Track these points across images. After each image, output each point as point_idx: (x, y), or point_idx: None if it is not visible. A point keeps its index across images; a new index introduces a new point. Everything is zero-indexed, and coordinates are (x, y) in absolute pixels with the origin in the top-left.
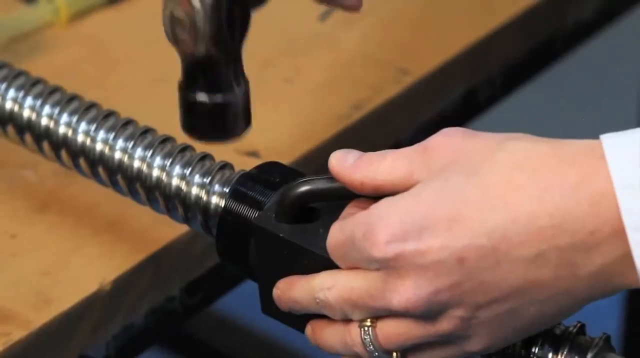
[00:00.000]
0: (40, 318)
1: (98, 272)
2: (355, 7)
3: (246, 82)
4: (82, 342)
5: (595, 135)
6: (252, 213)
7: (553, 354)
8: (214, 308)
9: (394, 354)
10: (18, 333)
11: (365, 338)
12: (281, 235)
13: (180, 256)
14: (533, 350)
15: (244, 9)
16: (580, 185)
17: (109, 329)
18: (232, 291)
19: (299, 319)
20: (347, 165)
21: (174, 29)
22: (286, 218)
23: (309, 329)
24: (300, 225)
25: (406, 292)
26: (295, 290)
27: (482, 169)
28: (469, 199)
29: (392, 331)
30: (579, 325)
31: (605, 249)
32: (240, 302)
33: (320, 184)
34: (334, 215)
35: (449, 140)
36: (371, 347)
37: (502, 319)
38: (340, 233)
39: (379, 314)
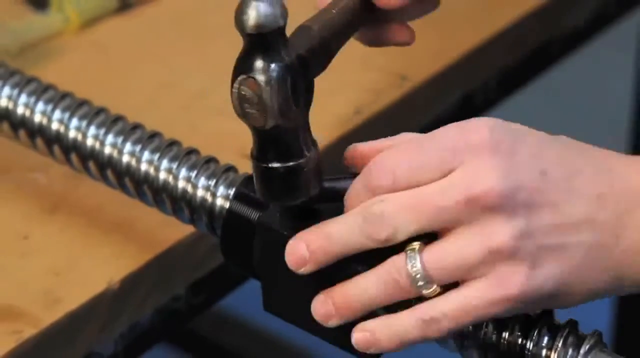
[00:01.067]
0: (50, 316)
1: (106, 272)
2: (409, 42)
3: (316, 146)
4: (90, 340)
5: (589, 140)
6: (255, 215)
7: (547, 350)
8: (217, 307)
9: (434, 287)
10: (28, 331)
11: (410, 265)
12: (285, 233)
13: (185, 257)
14: (528, 346)
15: (308, 79)
16: None
17: (116, 327)
18: (235, 290)
19: (301, 316)
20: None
21: (242, 105)
22: (289, 218)
23: (320, 298)
24: (303, 224)
25: (491, 180)
26: (334, 228)
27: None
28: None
29: (442, 251)
30: (571, 322)
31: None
32: (243, 300)
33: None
34: (335, 215)
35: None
36: (416, 270)
37: (553, 251)
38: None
39: (444, 219)
